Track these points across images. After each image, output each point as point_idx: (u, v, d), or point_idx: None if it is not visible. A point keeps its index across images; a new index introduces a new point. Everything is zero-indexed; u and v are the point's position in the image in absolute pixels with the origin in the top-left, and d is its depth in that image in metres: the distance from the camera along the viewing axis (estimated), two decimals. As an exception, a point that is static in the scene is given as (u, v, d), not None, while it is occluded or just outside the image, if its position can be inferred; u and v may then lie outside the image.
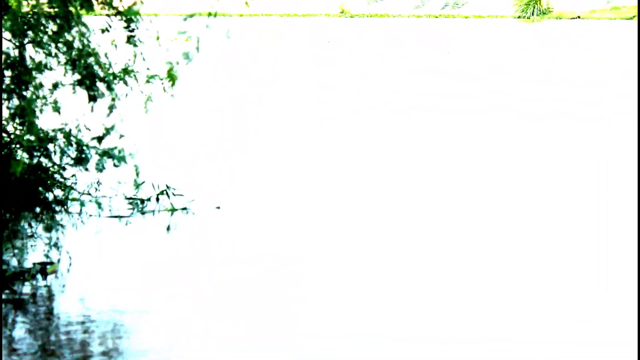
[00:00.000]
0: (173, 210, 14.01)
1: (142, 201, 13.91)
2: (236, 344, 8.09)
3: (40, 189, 12.17)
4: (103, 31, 12.04)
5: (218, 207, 14.63)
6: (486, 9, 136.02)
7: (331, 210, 16.13)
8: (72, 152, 11.87)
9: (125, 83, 11.87)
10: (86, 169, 12.13)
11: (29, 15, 11.49)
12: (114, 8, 12.40)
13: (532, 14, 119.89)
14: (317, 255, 12.25)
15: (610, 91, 42.45)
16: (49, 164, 12.09)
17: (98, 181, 13.69)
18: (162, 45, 12.78)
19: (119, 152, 12.47)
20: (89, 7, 11.65)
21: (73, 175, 12.73)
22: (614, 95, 40.73)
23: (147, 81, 12.58)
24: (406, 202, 17.04)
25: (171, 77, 12.04)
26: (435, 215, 16.16)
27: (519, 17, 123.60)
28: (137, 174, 12.75)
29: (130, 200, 13.96)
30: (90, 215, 13.15)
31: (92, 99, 11.33)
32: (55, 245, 11.91)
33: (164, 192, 14.43)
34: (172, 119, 25.84)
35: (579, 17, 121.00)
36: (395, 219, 15.36)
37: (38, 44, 11.51)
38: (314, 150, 23.09)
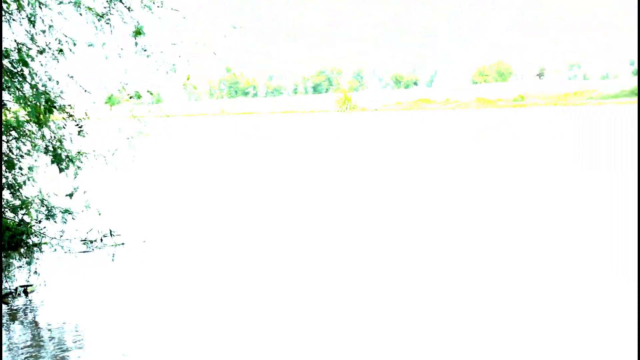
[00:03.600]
0: (115, 245, 13.92)
1: (92, 241, 13.77)
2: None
3: (24, 237, 12.23)
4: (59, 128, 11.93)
5: (144, 241, 14.51)
6: (312, 105, 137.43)
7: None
8: (44, 211, 11.79)
9: (80, 161, 11.65)
10: (54, 221, 12.01)
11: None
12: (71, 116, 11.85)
13: (347, 109, 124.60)
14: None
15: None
16: (29, 220, 12.05)
17: (62, 230, 13.65)
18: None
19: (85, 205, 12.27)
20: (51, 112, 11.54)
21: (45, 227, 12.62)
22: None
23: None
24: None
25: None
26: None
27: (337, 110, 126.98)
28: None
29: (84, 241, 13.77)
30: (55, 250, 13.14)
31: (62, 170, 11.27)
32: (35, 272, 11.93)
33: (107, 235, 14.43)
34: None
35: (376, 109, 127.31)
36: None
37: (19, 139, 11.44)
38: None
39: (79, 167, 11.55)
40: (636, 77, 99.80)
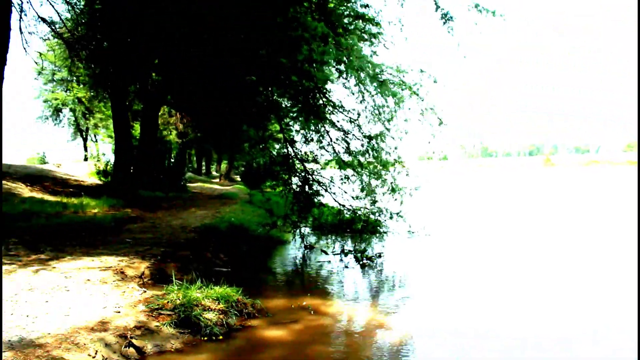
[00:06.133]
0: (425, 235, 14.35)
1: (412, 232, 14.04)
2: None
3: (378, 227, 13.10)
4: None
5: (429, 235, 14.57)
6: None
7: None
8: (385, 214, 12.58)
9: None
10: (392, 220, 12.73)
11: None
12: (403, 165, 12.75)
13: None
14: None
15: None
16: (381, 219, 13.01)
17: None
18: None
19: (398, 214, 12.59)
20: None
21: (384, 221, 13.32)
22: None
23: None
24: None
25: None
26: None
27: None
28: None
29: (409, 231, 14.07)
30: (393, 234, 14.08)
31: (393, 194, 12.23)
32: (383, 246, 12.96)
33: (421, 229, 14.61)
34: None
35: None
36: None
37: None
38: None
39: (400, 193, 12.09)
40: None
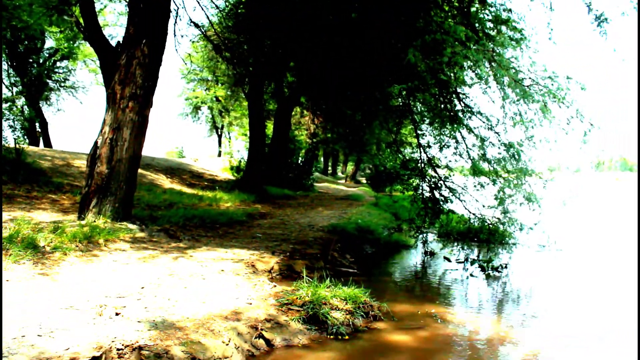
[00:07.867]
0: (557, 250, 13.57)
1: (543, 246, 13.61)
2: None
3: (505, 237, 12.71)
4: None
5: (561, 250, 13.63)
6: None
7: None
8: (516, 225, 12.17)
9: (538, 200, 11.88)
10: (521, 232, 12.36)
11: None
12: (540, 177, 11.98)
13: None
14: None
15: None
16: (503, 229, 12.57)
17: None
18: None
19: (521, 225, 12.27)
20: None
21: (514, 232, 12.91)
22: None
23: None
24: None
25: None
26: None
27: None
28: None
29: (540, 245, 13.73)
30: (522, 246, 13.45)
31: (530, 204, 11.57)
32: (510, 257, 12.44)
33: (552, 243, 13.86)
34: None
35: None
36: None
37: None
38: None
39: (539, 204, 11.62)
40: None
